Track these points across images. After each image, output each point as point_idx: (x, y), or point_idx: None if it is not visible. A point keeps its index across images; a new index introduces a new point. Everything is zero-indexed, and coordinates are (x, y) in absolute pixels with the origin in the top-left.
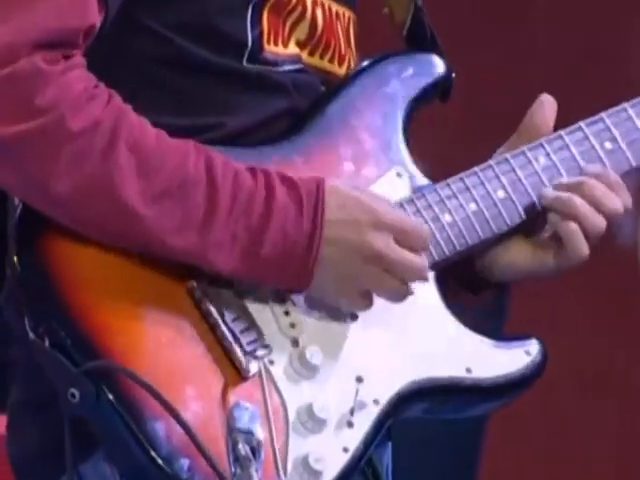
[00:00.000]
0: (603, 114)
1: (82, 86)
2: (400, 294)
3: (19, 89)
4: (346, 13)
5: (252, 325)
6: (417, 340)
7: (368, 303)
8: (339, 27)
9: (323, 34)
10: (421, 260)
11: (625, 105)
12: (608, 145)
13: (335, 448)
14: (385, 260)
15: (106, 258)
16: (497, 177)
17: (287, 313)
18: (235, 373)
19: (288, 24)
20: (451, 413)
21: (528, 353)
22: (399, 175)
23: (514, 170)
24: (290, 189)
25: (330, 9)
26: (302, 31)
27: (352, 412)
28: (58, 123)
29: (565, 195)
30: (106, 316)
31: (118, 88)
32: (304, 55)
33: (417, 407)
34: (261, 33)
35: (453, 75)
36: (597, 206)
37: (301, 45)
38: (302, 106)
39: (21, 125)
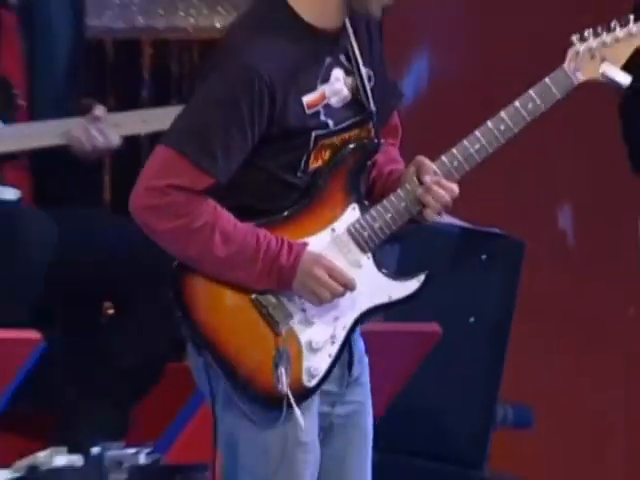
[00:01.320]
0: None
1: (199, 203)
2: (328, 299)
3: (171, 207)
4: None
5: (282, 308)
6: (364, 290)
7: (317, 302)
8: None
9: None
10: (338, 287)
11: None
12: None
13: (324, 358)
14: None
15: (213, 287)
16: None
17: (295, 300)
18: (273, 334)
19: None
20: (377, 315)
21: (418, 281)
22: (353, 209)
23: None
24: (288, 253)
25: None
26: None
27: (332, 337)
28: (189, 223)
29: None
30: (211, 317)
31: (230, 191)
32: None
33: (365, 320)
34: (308, 161)
35: None
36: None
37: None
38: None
39: (175, 222)
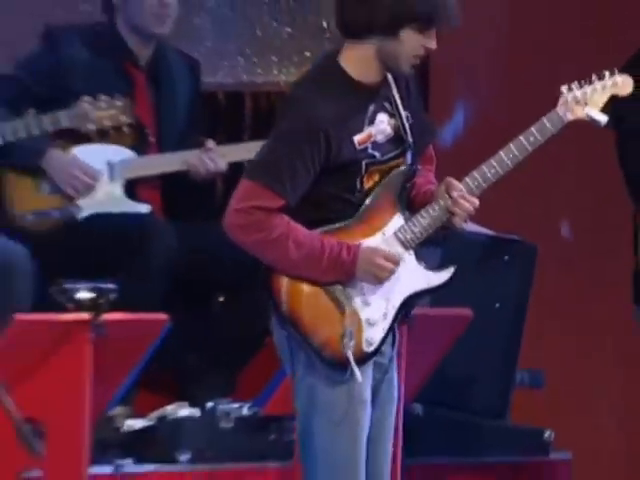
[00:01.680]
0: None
1: (274, 219)
2: (387, 278)
3: (254, 224)
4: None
5: (346, 293)
6: (407, 278)
7: (378, 283)
8: None
9: None
10: (393, 267)
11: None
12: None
13: (379, 330)
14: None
15: (296, 284)
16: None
17: (356, 286)
18: (340, 313)
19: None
20: (423, 301)
21: (449, 272)
22: (399, 217)
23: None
24: (347, 252)
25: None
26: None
27: (385, 314)
28: (268, 235)
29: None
30: (293, 302)
31: (301, 208)
32: None
33: (410, 305)
34: (362, 183)
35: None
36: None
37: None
38: None
39: (258, 235)
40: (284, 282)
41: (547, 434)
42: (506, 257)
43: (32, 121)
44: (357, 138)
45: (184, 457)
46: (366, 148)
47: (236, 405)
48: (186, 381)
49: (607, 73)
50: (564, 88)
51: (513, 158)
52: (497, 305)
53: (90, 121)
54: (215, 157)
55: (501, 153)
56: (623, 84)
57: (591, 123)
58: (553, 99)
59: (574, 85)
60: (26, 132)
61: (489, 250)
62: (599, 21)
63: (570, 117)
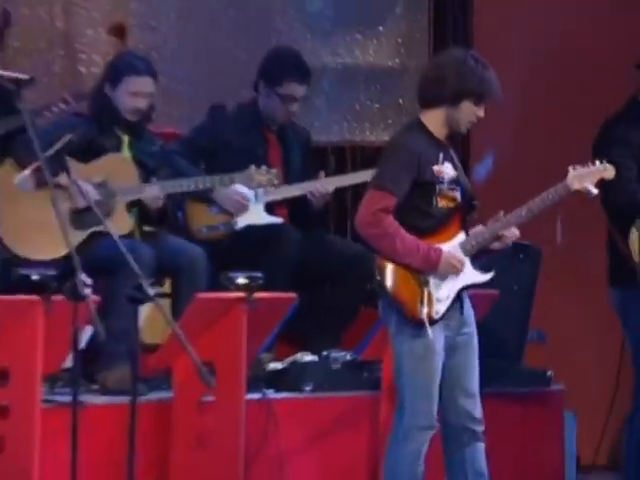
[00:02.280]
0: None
1: (390, 219)
2: (460, 271)
3: (376, 221)
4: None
5: (426, 278)
6: (465, 274)
7: (456, 273)
8: None
9: None
10: (460, 267)
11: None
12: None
13: (444, 305)
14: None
15: (396, 267)
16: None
17: (433, 274)
18: (421, 291)
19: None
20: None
21: (490, 274)
22: (462, 234)
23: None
24: (434, 252)
25: None
26: None
27: (448, 296)
28: (384, 230)
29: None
30: (393, 280)
31: (399, 218)
32: None
33: (467, 289)
34: (436, 201)
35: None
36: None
37: None
38: None
39: (377, 230)
40: (389, 266)
41: (548, 373)
42: (521, 255)
43: (216, 178)
44: (435, 168)
45: (307, 388)
46: (439, 177)
47: (342, 353)
48: (309, 337)
49: (597, 162)
50: (571, 168)
51: (529, 212)
52: (515, 287)
53: (254, 181)
54: (325, 184)
55: (525, 208)
56: (608, 170)
57: (586, 194)
58: (562, 173)
59: (578, 166)
60: (217, 182)
61: (511, 251)
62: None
63: (575, 187)
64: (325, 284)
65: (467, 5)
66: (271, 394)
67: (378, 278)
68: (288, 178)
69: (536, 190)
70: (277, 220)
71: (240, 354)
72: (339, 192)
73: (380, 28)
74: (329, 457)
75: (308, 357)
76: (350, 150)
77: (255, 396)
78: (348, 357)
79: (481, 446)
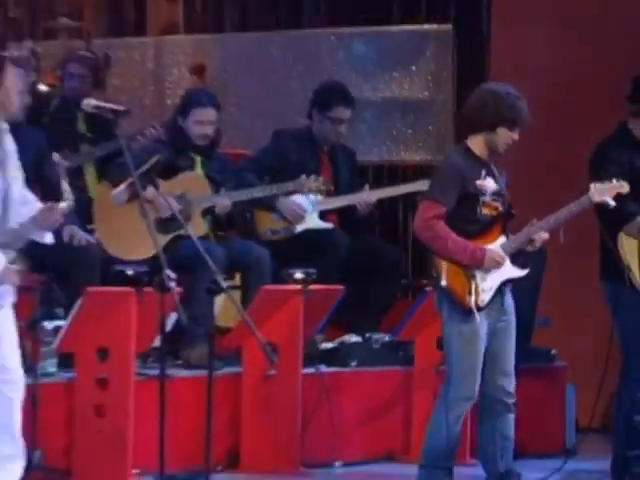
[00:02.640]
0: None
1: (441, 224)
2: (502, 266)
3: (431, 227)
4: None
5: (473, 271)
6: (506, 269)
7: (498, 267)
8: None
9: None
10: (501, 263)
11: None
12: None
13: (488, 295)
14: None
15: (449, 264)
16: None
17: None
18: (469, 282)
19: (487, 207)
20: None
21: (526, 270)
22: (503, 237)
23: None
24: (480, 250)
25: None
26: None
27: (491, 287)
28: (438, 233)
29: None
30: (447, 273)
31: (449, 224)
32: None
33: (507, 283)
34: (480, 209)
35: None
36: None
37: None
38: None
39: (431, 233)
40: (443, 262)
41: (553, 352)
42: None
43: (274, 186)
44: (478, 182)
45: (353, 364)
46: (482, 190)
47: (381, 335)
48: (354, 322)
49: (614, 180)
50: (592, 184)
51: (555, 223)
52: (525, 282)
53: (305, 187)
54: (368, 196)
55: (555, 214)
56: (624, 187)
57: (605, 205)
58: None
59: (598, 183)
60: (275, 190)
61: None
62: None
63: (596, 199)
64: (368, 278)
65: (485, 49)
66: (323, 369)
67: (434, 274)
68: (338, 190)
69: (555, 196)
70: (328, 225)
71: (298, 336)
72: (392, 203)
73: (413, 67)
74: (370, 419)
75: (353, 338)
76: (388, 168)
77: (310, 370)
78: (386, 338)
79: (511, 416)
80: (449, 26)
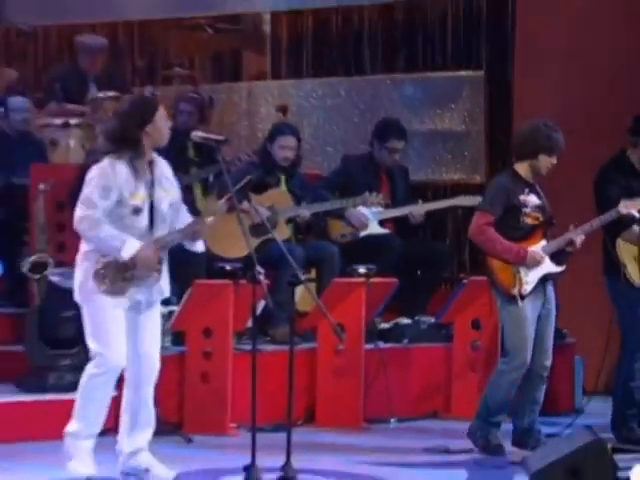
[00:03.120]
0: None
1: (491, 230)
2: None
3: (482, 231)
4: None
5: (517, 268)
6: (546, 264)
7: (538, 265)
8: None
9: None
10: (541, 261)
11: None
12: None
13: (531, 285)
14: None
15: (500, 262)
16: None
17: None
18: (514, 277)
19: (529, 217)
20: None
21: (563, 266)
22: (544, 241)
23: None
24: (522, 250)
25: None
26: None
27: (533, 280)
28: (488, 237)
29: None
30: (496, 268)
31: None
32: None
33: (548, 277)
34: (524, 219)
35: None
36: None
37: None
38: None
39: (483, 237)
40: (494, 261)
41: (564, 331)
42: None
43: (343, 200)
44: (521, 197)
45: (405, 340)
46: (524, 203)
47: (428, 318)
48: (406, 307)
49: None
50: (622, 200)
51: (592, 227)
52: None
53: (367, 201)
54: (420, 208)
55: (590, 222)
56: None
57: (631, 216)
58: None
59: (627, 200)
60: (344, 203)
61: None
62: None
63: (623, 212)
64: (416, 273)
65: (510, 91)
66: (381, 344)
67: (489, 272)
68: (394, 204)
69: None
70: (386, 231)
71: (361, 318)
72: (437, 213)
73: (452, 105)
74: (418, 384)
75: (405, 320)
76: (432, 186)
77: (370, 346)
78: (431, 321)
79: (544, 386)
80: (481, 72)
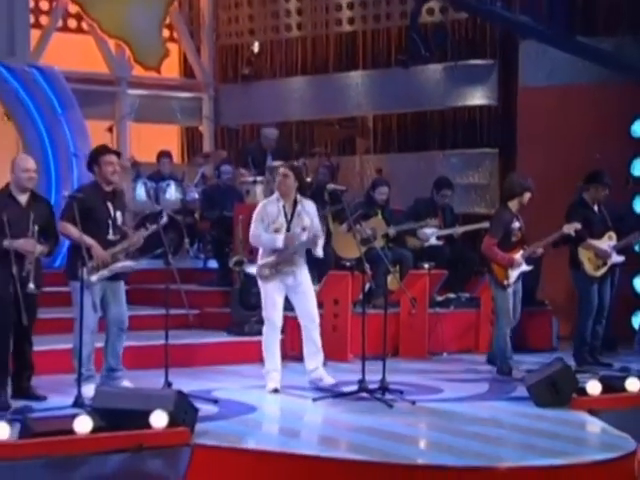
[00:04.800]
0: None
1: (496, 248)
2: None
3: (490, 248)
4: None
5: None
6: (522, 267)
7: None
8: None
9: None
10: (521, 264)
11: None
12: None
13: (514, 278)
14: None
15: (497, 265)
16: None
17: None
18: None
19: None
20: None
21: (531, 265)
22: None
23: None
24: (510, 258)
25: None
26: None
27: (516, 274)
28: (493, 252)
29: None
30: (497, 270)
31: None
32: None
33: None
34: (513, 235)
35: None
36: None
37: None
38: None
39: (491, 253)
40: (494, 264)
41: (545, 301)
42: None
43: (416, 223)
44: (511, 225)
45: (452, 307)
46: (513, 229)
47: (465, 294)
48: (452, 287)
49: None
50: (565, 225)
51: (548, 242)
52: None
53: (430, 225)
54: (459, 230)
55: (546, 239)
56: (577, 225)
57: (567, 233)
58: None
59: (569, 224)
60: (416, 226)
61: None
62: None
63: (565, 231)
64: (457, 267)
65: (515, 162)
66: (438, 309)
67: (487, 270)
68: (444, 226)
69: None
70: (439, 243)
71: (426, 294)
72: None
73: (479, 169)
74: (460, 332)
75: (452, 295)
76: (466, 216)
77: (431, 310)
78: (467, 295)
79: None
80: (496, 150)
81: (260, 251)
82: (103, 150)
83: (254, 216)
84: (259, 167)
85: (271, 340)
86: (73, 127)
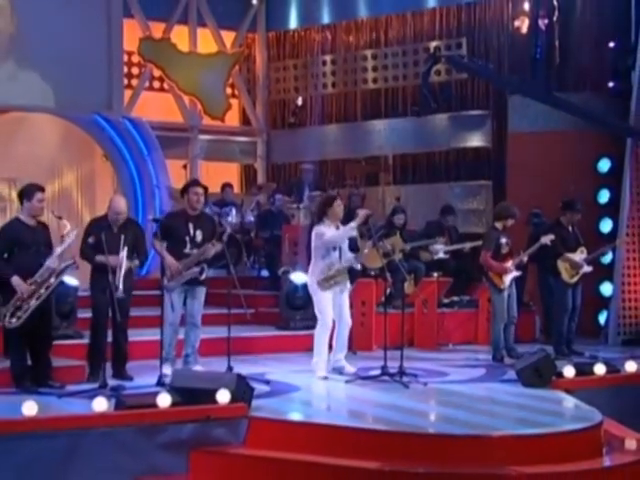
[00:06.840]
0: None
1: (491, 260)
2: None
3: (487, 260)
4: None
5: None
6: (513, 274)
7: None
8: None
9: None
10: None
11: None
12: None
13: (508, 282)
14: None
15: (493, 273)
16: None
17: None
18: (501, 281)
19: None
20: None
21: (520, 271)
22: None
23: None
24: (503, 266)
25: None
26: None
27: (509, 280)
28: (489, 263)
29: None
30: (494, 277)
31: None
32: None
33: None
34: (503, 247)
35: None
36: None
37: None
38: None
39: (486, 263)
40: (490, 272)
41: (530, 303)
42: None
43: (427, 240)
44: (500, 239)
45: (456, 307)
46: (502, 243)
47: (467, 296)
48: (455, 291)
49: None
50: (542, 237)
51: (532, 252)
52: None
53: (438, 242)
54: (468, 245)
55: (530, 249)
56: (551, 237)
57: (546, 243)
58: None
59: (544, 236)
60: (427, 242)
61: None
62: None
63: (542, 241)
64: (461, 275)
65: (505, 192)
66: (444, 309)
67: (485, 278)
68: (450, 243)
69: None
70: (447, 256)
71: (434, 296)
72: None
73: (478, 197)
74: (463, 326)
75: (456, 298)
76: (468, 235)
77: (440, 310)
78: (468, 297)
79: (513, 327)
80: (490, 182)
81: (311, 267)
82: (194, 182)
83: (315, 234)
84: (300, 195)
85: (323, 338)
86: (156, 165)
